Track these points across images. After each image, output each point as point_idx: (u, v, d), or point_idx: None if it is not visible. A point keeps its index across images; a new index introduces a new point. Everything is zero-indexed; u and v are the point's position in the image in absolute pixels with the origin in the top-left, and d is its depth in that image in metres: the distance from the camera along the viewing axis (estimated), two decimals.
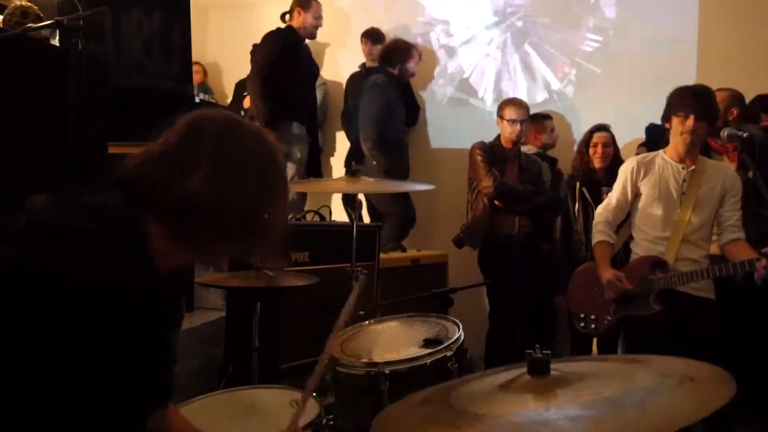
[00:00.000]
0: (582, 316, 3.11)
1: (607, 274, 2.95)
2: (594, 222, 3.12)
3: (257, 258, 1.25)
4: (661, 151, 3.00)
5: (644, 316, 2.87)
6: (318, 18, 4.85)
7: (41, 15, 3.22)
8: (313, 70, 5.09)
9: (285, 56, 4.68)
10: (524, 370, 1.18)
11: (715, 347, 2.74)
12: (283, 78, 4.71)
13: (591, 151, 3.75)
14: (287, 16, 4.89)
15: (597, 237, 3.06)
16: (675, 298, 2.83)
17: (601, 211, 3.11)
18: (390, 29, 5.59)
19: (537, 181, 4.09)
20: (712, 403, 0.95)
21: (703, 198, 2.87)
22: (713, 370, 1.11)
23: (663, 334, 2.78)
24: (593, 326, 3.07)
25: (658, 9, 4.90)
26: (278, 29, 4.95)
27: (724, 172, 2.95)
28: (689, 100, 2.80)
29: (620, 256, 3.18)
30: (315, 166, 5.10)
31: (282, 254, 1.27)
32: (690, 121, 2.79)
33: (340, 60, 5.86)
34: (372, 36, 5.36)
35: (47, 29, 2.87)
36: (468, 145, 4.26)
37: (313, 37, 4.91)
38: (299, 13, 4.78)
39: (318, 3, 4.88)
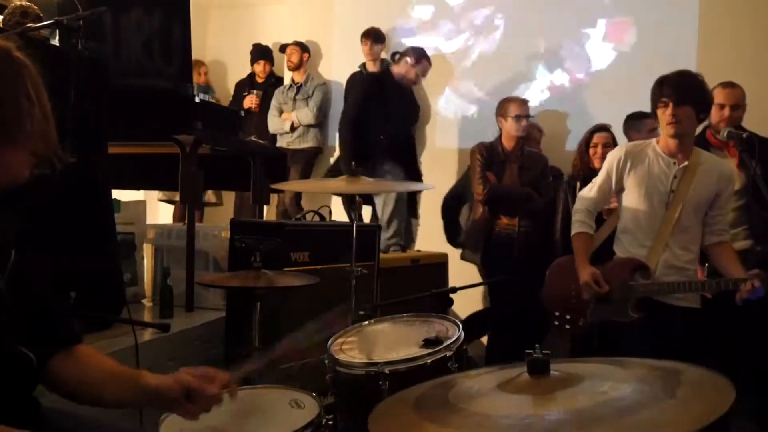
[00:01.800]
0: (557, 314, 2.94)
1: (584, 273, 2.77)
2: (574, 210, 2.97)
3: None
4: (653, 141, 2.83)
5: (620, 322, 2.72)
6: (420, 76, 4.77)
7: (41, 15, 3.21)
8: (407, 111, 4.93)
9: (368, 100, 4.65)
10: (524, 369, 1.18)
11: (703, 356, 2.69)
12: (366, 121, 4.66)
13: (591, 151, 3.74)
14: (396, 56, 4.78)
15: (576, 227, 2.89)
16: (657, 308, 2.70)
17: (581, 199, 2.95)
18: (390, 29, 5.60)
19: (539, 180, 4.08)
20: (716, 409, 0.95)
21: (693, 197, 2.70)
22: (704, 371, 1.11)
23: (648, 344, 2.64)
24: (567, 326, 2.90)
25: (659, 7, 4.90)
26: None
27: (719, 168, 2.76)
28: (665, 88, 2.65)
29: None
30: (412, 203, 4.97)
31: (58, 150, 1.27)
32: (670, 109, 2.63)
33: (340, 60, 5.86)
34: (372, 36, 5.36)
35: (47, 29, 2.86)
36: (469, 146, 4.26)
37: (408, 88, 4.80)
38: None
39: (429, 63, 4.78)
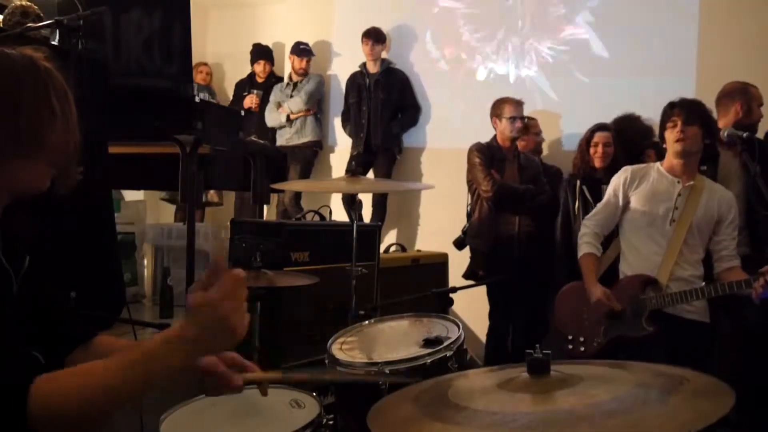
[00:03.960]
0: (570, 338, 2.96)
1: (596, 291, 2.83)
2: (580, 234, 3.03)
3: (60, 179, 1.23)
4: (657, 164, 2.94)
5: (636, 337, 2.77)
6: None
7: (41, 15, 3.22)
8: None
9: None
10: (524, 369, 1.18)
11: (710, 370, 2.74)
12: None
13: (591, 150, 3.74)
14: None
15: (583, 249, 2.96)
16: (668, 322, 2.76)
17: (587, 223, 3.03)
18: (391, 29, 5.60)
19: (536, 179, 4.10)
20: (704, 418, 0.95)
21: (699, 218, 2.79)
22: (711, 380, 1.11)
23: (661, 358, 2.70)
24: (582, 348, 2.92)
25: (659, 8, 4.90)
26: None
27: (720, 195, 2.85)
28: (676, 109, 2.79)
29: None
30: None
31: (77, 173, 1.25)
32: (679, 127, 2.75)
33: (340, 60, 5.86)
34: (374, 36, 5.36)
35: (47, 29, 2.87)
36: (468, 145, 4.26)
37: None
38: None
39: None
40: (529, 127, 4.45)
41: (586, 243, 2.97)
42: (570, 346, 2.96)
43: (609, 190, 2.99)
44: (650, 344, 2.73)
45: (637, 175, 2.92)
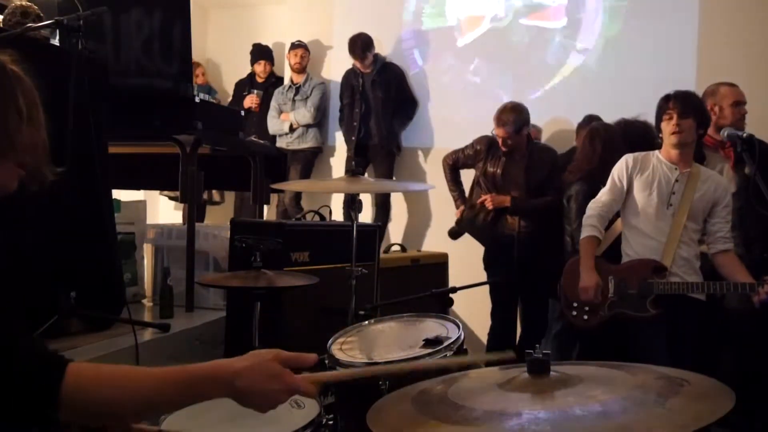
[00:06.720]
0: (576, 305, 3.07)
1: (590, 278, 2.95)
2: (585, 216, 3.11)
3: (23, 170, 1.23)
4: (657, 152, 3.03)
5: (637, 316, 2.90)
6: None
7: (41, 15, 3.22)
8: None
9: None
10: (524, 369, 1.18)
11: (700, 345, 2.83)
12: None
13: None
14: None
15: (587, 231, 3.06)
16: (668, 299, 2.87)
17: (593, 206, 3.10)
18: (391, 28, 5.60)
19: (548, 181, 4.01)
20: (712, 414, 0.95)
21: (696, 202, 2.92)
22: (712, 382, 1.11)
23: (662, 333, 2.84)
24: (585, 317, 3.03)
25: (659, 8, 4.90)
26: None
27: (716, 181, 2.98)
28: (672, 101, 2.89)
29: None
30: None
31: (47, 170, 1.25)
32: (674, 120, 2.86)
33: (340, 60, 5.86)
34: (359, 54, 5.28)
35: (47, 29, 2.87)
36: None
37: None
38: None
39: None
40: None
41: (590, 225, 3.07)
42: (574, 313, 3.08)
43: (613, 176, 3.07)
44: (652, 323, 2.87)
45: (638, 161, 3.03)
